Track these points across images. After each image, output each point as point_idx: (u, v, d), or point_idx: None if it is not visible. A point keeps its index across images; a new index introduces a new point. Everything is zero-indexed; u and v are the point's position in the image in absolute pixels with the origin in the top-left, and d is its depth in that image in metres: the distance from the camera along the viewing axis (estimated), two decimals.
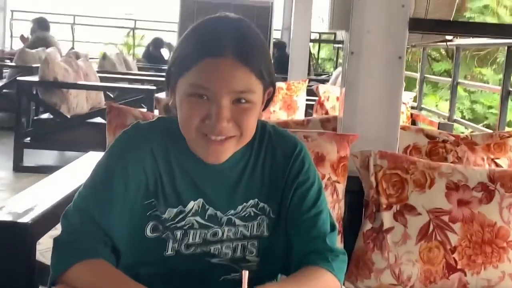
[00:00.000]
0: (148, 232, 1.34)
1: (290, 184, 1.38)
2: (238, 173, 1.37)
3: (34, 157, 5.68)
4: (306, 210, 1.37)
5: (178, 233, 1.34)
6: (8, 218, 1.52)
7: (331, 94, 4.59)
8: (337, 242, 1.40)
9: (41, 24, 9.10)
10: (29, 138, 5.76)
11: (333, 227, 1.39)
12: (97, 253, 1.29)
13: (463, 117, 9.79)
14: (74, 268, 1.27)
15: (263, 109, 1.36)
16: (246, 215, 1.37)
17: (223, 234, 1.36)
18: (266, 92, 1.32)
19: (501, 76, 4.82)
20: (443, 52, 11.34)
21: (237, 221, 1.37)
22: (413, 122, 4.86)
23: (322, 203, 1.39)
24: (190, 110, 1.27)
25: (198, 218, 1.35)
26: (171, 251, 1.34)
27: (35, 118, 6.09)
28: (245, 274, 1.08)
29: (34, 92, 5.93)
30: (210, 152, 1.29)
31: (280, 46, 8.86)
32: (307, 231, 1.36)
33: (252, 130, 1.31)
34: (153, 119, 1.44)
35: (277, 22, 7.62)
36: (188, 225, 1.35)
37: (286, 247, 1.38)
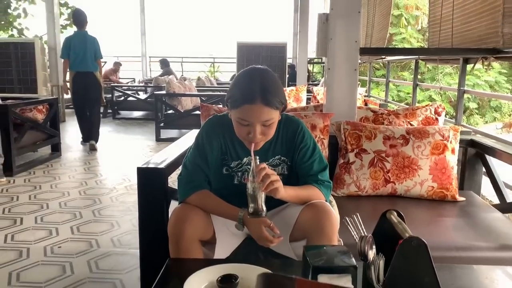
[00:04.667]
0: (223, 172, 1.35)
1: (297, 147, 1.35)
2: (268, 143, 1.33)
3: (165, 133, 5.72)
4: (305, 160, 1.35)
5: (239, 173, 1.35)
6: (153, 165, 1.55)
7: (320, 92, 4.50)
8: (327, 177, 1.37)
9: (165, 63, 9.16)
10: (162, 124, 5.78)
11: (325, 167, 1.36)
12: (204, 186, 1.31)
13: (393, 100, 9.51)
14: (192, 195, 1.29)
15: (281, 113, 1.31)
16: (275, 164, 1.36)
17: None
18: (280, 109, 1.27)
19: (412, 76, 4.67)
20: (381, 64, 11.00)
21: (270, 167, 1.34)
22: (366, 104, 4.77)
23: (315, 155, 1.35)
24: (240, 129, 1.26)
25: (249, 166, 1.33)
26: (237, 181, 1.35)
27: (165, 113, 6.09)
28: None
29: (163, 99, 5.94)
30: (252, 146, 1.26)
31: (292, 67, 8.71)
32: (307, 172, 1.35)
33: (272, 133, 1.28)
34: (224, 113, 1.40)
35: (289, 53, 7.45)
36: (244, 169, 1.35)
37: (296, 180, 1.36)
